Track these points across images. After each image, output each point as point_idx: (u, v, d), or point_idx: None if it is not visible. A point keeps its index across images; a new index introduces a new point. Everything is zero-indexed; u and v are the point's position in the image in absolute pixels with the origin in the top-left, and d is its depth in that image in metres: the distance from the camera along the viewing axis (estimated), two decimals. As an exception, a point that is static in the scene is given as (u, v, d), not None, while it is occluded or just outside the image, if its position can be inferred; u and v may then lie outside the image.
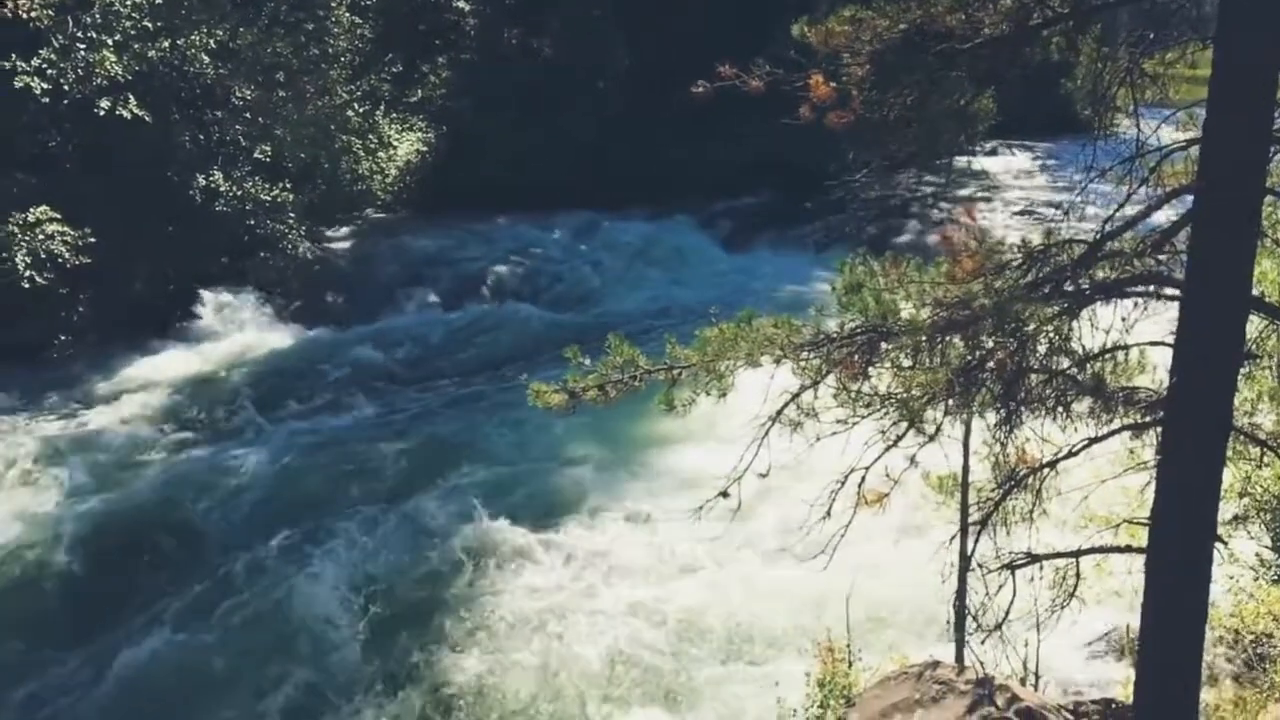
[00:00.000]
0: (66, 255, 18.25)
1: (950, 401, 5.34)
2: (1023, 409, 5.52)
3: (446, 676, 10.62)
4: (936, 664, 7.14)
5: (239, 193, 21.41)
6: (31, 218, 18.02)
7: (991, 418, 5.86)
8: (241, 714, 10.37)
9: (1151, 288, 5.51)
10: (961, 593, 7.23)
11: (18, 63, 17.49)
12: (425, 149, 27.84)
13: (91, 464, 15.19)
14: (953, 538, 7.00)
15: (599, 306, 22.16)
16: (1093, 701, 7.60)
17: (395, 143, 26.86)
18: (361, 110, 24.83)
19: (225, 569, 12.58)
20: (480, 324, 21.39)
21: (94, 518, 13.80)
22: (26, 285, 17.81)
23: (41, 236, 18.01)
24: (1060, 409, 5.68)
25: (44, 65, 17.61)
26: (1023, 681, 7.55)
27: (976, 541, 6.41)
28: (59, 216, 18.28)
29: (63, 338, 19.23)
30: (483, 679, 10.56)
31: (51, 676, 11.08)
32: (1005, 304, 4.92)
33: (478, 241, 25.14)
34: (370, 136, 25.28)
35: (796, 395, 5.56)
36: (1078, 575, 6.47)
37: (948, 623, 7.50)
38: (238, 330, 20.66)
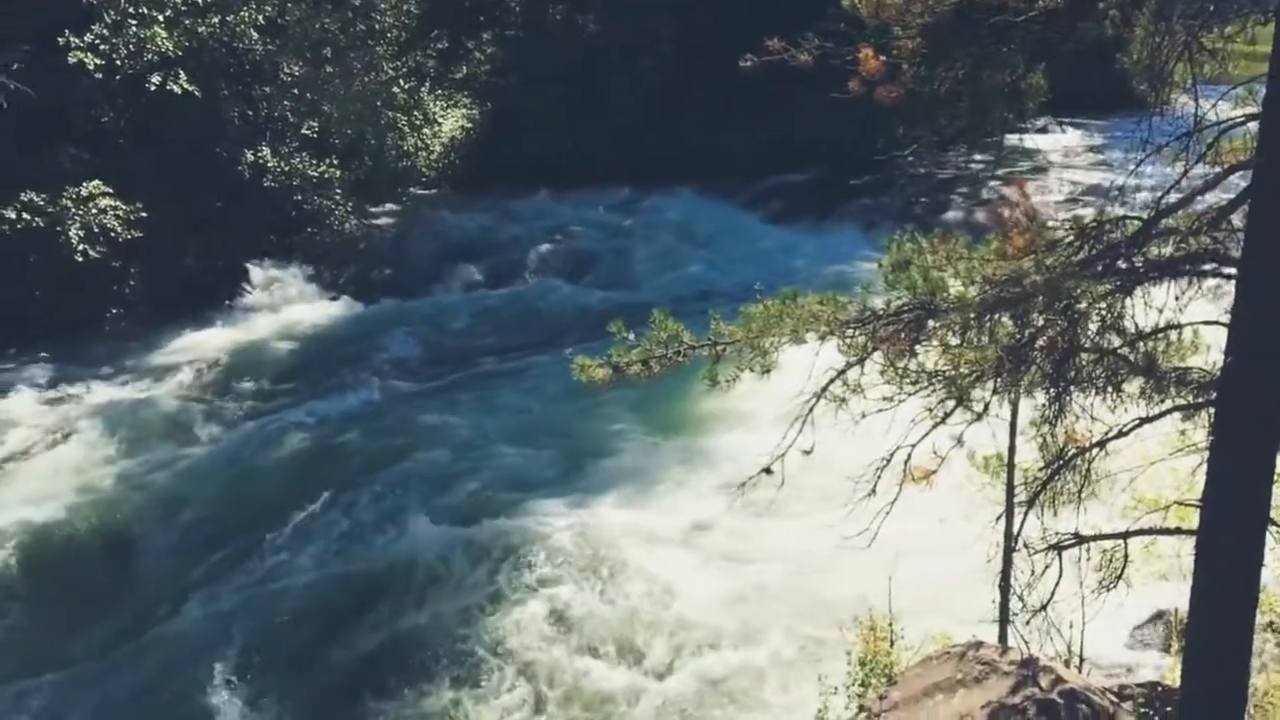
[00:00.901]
0: (118, 229, 18.58)
1: (999, 379, 5.28)
2: (1072, 388, 5.44)
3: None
4: (980, 644, 7.09)
5: (286, 169, 21.61)
6: (84, 192, 18.37)
7: (1040, 397, 5.80)
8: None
9: (1207, 265, 5.40)
10: (1006, 573, 7.18)
11: (71, 38, 17.76)
12: (469, 126, 27.90)
13: (134, 436, 15.46)
14: (998, 518, 6.95)
15: (641, 284, 22.12)
16: (1138, 685, 7.52)
17: (440, 119, 26.93)
18: (407, 87, 24.92)
19: (235, 550, 12.67)
20: (522, 301, 21.45)
21: (129, 491, 14.11)
22: (79, 259, 18.16)
23: (94, 211, 18.35)
24: (1110, 389, 5.60)
25: (97, 41, 17.87)
26: (1067, 663, 7.49)
27: (1023, 522, 6.35)
28: (111, 191, 18.61)
29: (114, 311, 19.55)
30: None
31: (67, 652, 11.30)
32: (1057, 280, 4.84)
33: (520, 219, 25.18)
34: (415, 113, 25.38)
35: (842, 372, 5.53)
36: (1125, 557, 6.39)
37: (993, 602, 7.44)
38: (285, 305, 20.90)
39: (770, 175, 27.06)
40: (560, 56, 28.08)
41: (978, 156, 27.38)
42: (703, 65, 25.51)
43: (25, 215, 17.75)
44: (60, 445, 15.21)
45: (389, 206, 25.64)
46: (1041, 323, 5.20)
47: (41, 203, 17.92)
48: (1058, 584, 6.43)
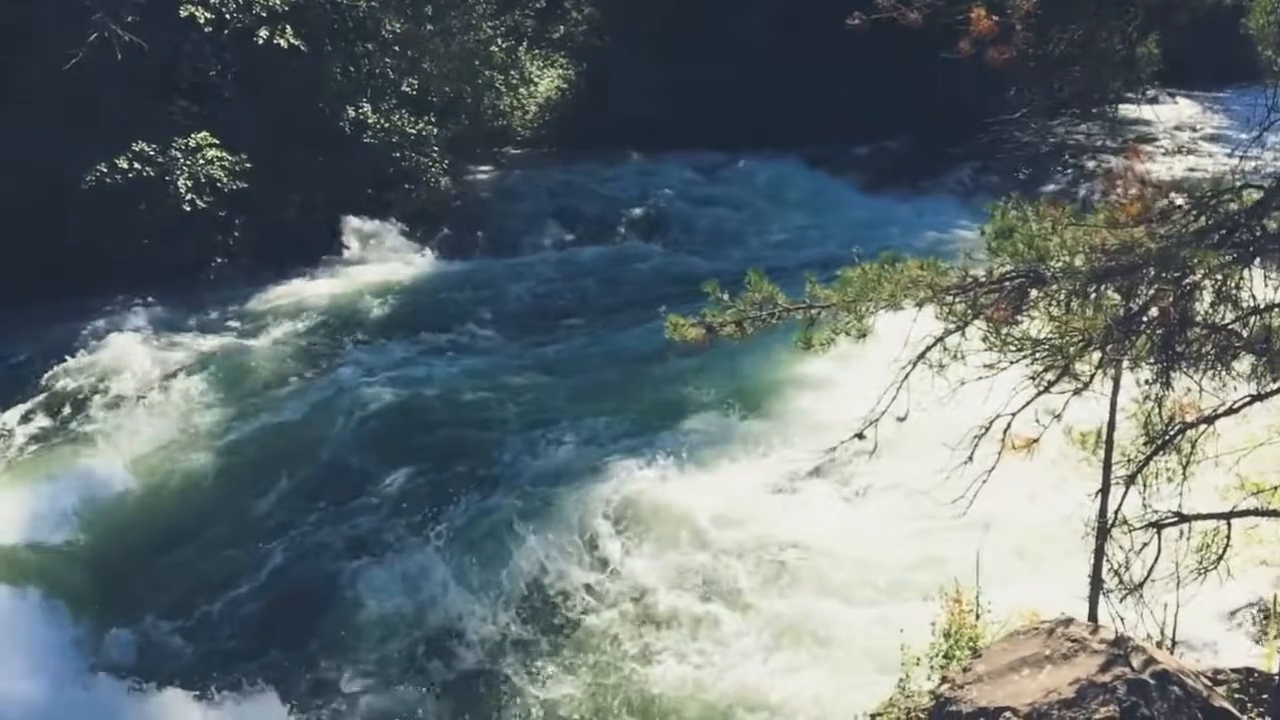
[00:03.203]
0: (224, 180, 19.08)
1: (1106, 350, 5.15)
2: (1181, 363, 5.28)
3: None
4: (1069, 621, 6.97)
5: (386, 125, 21.89)
6: (192, 143, 18.90)
7: (1144, 372, 5.64)
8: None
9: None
10: (1099, 551, 7.03)
11: (183, -9, 18.19)
12: (565, 86, 27.92)
13: (233, 382, 15.92)
14: (1095, 494, 6.80)
15: (732, 248, 21.95)
16: (1233, 670, 7.34)
17: (536, 79, 27.01)
18: (505, 46, 25.01)
19: (318, 506, 12.89)
20: (613, 262, 21.45)
21: (224, 436, 14.54)
22: (187, 208, 18.73)
23: (201, 161, 18.89)
24: (1220, 365, 5.42)
25: (208, -6, 18.26)
26: (1159, 645, 7.33)
27: (1122, 499, 6.22)
28: (217, 143, 19.11)
29: (218, 260, 20.07)
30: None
31: (179, 593, 11.67)
32: (1171, 250, 4.70)
33: (613, 180, 25.16)
34: (512, 72, 25.48)
35: (941, 339, 5.46)
36: (1228, 539, 6.22)
37: (1089, 577, 7.30)
38: (380, 260, 21.25)
39: (867, 140, 26.55)
40: (656, 17, 27.88)
41: (1082, 127, 26.52)
42: (803, 26, 25.07)
43: (136, 165, 18.34)
44: (162, 388, 15.73)
45: (484, 166, 25.85)
46: (1152, 293, 5.06)
47: (152, 153, 18.48)
48: (1155, 563, 6.29)
